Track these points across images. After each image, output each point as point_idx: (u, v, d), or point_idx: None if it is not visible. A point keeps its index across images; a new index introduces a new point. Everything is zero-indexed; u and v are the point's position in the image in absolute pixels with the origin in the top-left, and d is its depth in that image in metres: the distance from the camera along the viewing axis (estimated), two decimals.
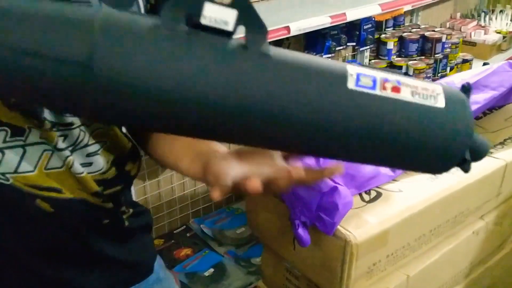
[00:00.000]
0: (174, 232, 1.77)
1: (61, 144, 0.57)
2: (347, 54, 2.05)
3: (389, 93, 0.45)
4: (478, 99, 1.32)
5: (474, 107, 1.29)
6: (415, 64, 2.29)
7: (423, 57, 2.38)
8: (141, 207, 0.74)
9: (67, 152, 0.58)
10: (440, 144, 0.48)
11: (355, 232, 1.01)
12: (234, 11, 0.41)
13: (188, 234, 1.76)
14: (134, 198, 1.61)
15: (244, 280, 1.52)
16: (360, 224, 1.03)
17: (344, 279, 1.04)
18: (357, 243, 1.00)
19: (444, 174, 1.22)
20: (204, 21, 0.40)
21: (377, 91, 0.45)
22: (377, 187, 1.12)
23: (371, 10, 1.64)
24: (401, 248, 1.10)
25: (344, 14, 1.53)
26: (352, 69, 0.45)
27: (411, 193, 1.10)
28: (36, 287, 0.64)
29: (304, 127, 0.43)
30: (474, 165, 1.27)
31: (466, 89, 0.50)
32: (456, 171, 1.23)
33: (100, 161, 0.62)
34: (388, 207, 1.08)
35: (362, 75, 0.45)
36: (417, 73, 2.30)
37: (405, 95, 0.46)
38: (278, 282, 1.28)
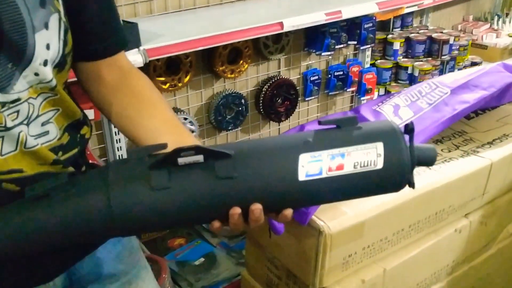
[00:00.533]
0: None
1: (10, 123, 0.58)
2: (348, 53, 2.07)
3: (334, 173, 0.56)
4: (467, 99, 1.32)
5: (463, 107, 1.29)
6: (421, 65, 2.28)
7: (430, 58, 2.37)
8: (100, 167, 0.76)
9: (18, 129, 0.59)
10: (385, 186, 0.58)
11: (329, 223, 1.02)
12: (200, 156, 0.55)
13: None
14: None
15: (233, 270, 1.54)
16: (336, 215, 1.04)
17: (318, 269, 1.05)
18: (331, 234, 1.01)
19: (427, 171, 1.23)
20: (181, 163, 0.55)
21: (324, 175, 0.55)
22: None
23: (368, 8, 1.65)
24: (378, 241, 1.11)
25: (340, 11, 1.54)
26: (304, 159, 0.56)
27: None
28: (5, 264, 0.65)
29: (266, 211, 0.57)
30: (458, 163, 1.28)
31: (410, 129, 0.58)
32: (439, 168, 1.23)
33: (54, 129, 0.64)
34: (366, 200, 1.09)
35: (311, 162, 0.55)
36: (423, 74, 2.30)
37: (348, 169, 0.56)
38: (261, 272, 1.30)
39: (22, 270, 0.66)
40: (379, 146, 0.56)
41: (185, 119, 1.61)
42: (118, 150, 1.50)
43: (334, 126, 0.58)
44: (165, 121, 0.68)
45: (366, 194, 0.60)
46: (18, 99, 0.58)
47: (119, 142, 1.49)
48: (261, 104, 1.83)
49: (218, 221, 0.57)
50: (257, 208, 0.55)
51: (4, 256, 0.56)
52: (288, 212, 0.58)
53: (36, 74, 0.59)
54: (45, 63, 0.59)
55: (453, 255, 1.29)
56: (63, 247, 0.58)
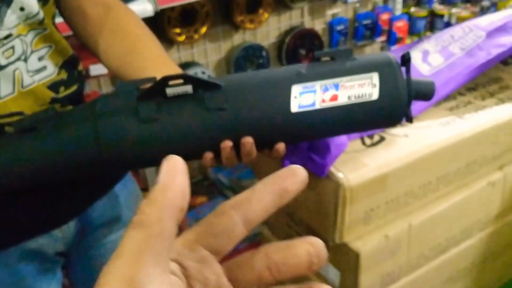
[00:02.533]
0: (192, 181, 1.78)
1: (4, 61, 0.57)
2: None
3: (328, 104, 0.53)
4: (505, 42, 1.22)
5: (499, 51, 1.19)
6: (458, 12, 2.14)
7: (468, 4, 2.22)
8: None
9: (13, 67, 0.58)
10: (381, 119, 0.57)
11: (349, 175, 0.96)
12: (189, 86, 0.53)
13: (205, 183, 1.76)
14: None
15: (255, 228, 1.50)
16: (356, 167, 0.98)
17: (338, 223, 1.00)
18: (351, 186, 0.95)
19: (457, 120, 1.15)
20: (169, 94, 0.53)
21: (317, 106, 0.53)
22: (382, 131, 1.06)
23: None
24: (403, 195, 1.04)
25: None
26: (296, 90, 0.53)
27: (417, 138, 1.04)
28: (16, 203, 0.65)
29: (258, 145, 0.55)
30: (492, 112, 1.19)
31: (406, 60, 0.56)
32: (471, 117, 1.15)
33: (51, 65, 0.63)
34: (389, 151, 1.02)
35: (304, 94, 0.53)
36: (461, 22, 2.16)
37: (342, 100, 0.54)
38: (280, 228, 1.26)
39: (38, 214, 0.66)
40: (374, 77, 0.54)
41: (203, 73, 1.55)
42: None
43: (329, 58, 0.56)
44: (154, 59, 0.65)
45: (362, 127, 0.59)
46: (10, 35, 0.57)
47: None
48: (283, 56, 1.75)
49: (210, 154, 0.55)
50: (248, 141, 0.54)
51: None
52: (280, 146, 0.56)
53: (22, 9, 0.57)
54: None
55: (486, 210, 1.21)
56: (53, 182, 0.58)
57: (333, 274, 1.11)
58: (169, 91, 0.53)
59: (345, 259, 1.05)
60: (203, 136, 0.54)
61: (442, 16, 2.18)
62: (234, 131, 0.54)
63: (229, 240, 0.27)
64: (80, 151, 0.54)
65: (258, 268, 0.26)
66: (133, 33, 0.67)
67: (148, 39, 0.67)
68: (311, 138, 0.59)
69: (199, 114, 0.53)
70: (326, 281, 1.14)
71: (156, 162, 0.59)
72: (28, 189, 0.59)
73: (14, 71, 0.58)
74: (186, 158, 0.60)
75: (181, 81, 0.53)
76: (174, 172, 0.24)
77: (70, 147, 0.54)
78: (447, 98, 1.18)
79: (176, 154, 0.56)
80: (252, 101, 0.54)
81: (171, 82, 0.52)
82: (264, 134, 0.54)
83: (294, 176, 0.27)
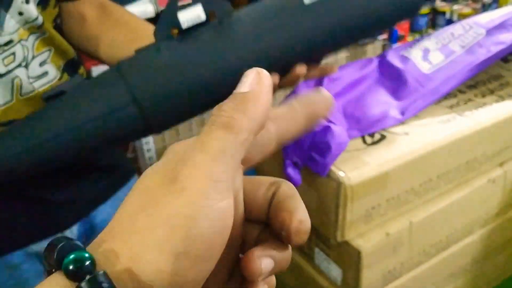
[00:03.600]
0: None
1: (3, 69, 0.57)
2: None
3: None
4: (504, 39, 1.22)
5: (499, 48, 1.20)
6: (460, 9, 2.15)
7: (470, 1, 2.23)
8: None
9: (12, 75, 0.58)
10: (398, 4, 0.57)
11: (350, 174, 0.97)
12: (199, 5, 0.53)
13: None
14: (153, 146, 1.63)
15: None
16: (357, 166, 0.99)
17: (339, 221, 1.01)
18: (352, 185, 0.96)
19: (457, 118, 1.15)
20: (184, 26, 0.54)
21: None
22: (383, 129, 1.07)
23: None
24: (403, 193, 1.05)
25: None
26: None
27: (417, 136, 1.05)
28: (20, 208, 0.66)
29: (279, 49, 0.56)
30: (492, 109, 1.19)
31: None
32: (471, 114, 1.15)
33: (52, 69, 0.62)
34: (390, 149, 1.03)
35: None
36: (463, 19, 2.17)
37: None
38: None
39: (41, 218, 0.67)
40: None
41: None
42: None
43: None
44: None
45: (380, 14, 0.58)
46: (11, 41, 0.57)
47: None
48: None
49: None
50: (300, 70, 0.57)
51: (23, 167, 0.54)
52: (301, 69, 0.57)
53: (21, 13, 0.57)
54: (27, 1, 0.57)
55: (486, 207, 1.22)
56: (88, 149, 0.56)
57: (335, 272, 1.12)
58: (182, 18, 0.53)
59: (346, 257, 1.06)
60: (228, 57, 0.54)
61: (444, 13, 2.19)
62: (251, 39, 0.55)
63: (261, 152, 0.27)
64: (113, 103, 0.53)
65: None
66: (133, 21, 0.68)
67: (149, 26, 0.68)
68: (330, 40, 0.58)
69: (218, 35, 0.54)
70: (328, 279, 1.15)
71: (193, 93, 0.56)
72: (64, 161, 0.56)
73: (13, 79, 0.58)
74: (218, 84, 0.57)
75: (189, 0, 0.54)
76: (264, 86, 0.24)
77: (103, 99, 0.53)
78: (447, 95, 1.19)
79: (206, 81, 0.55)
80: (265, 7, 0.56)
81: (180, 3, 0.53)
82: (284, 36, 0.55)
83: (325, 102, 0.27)
